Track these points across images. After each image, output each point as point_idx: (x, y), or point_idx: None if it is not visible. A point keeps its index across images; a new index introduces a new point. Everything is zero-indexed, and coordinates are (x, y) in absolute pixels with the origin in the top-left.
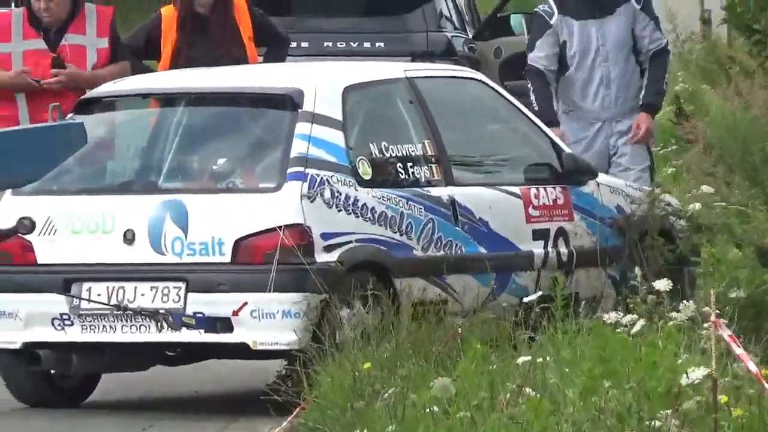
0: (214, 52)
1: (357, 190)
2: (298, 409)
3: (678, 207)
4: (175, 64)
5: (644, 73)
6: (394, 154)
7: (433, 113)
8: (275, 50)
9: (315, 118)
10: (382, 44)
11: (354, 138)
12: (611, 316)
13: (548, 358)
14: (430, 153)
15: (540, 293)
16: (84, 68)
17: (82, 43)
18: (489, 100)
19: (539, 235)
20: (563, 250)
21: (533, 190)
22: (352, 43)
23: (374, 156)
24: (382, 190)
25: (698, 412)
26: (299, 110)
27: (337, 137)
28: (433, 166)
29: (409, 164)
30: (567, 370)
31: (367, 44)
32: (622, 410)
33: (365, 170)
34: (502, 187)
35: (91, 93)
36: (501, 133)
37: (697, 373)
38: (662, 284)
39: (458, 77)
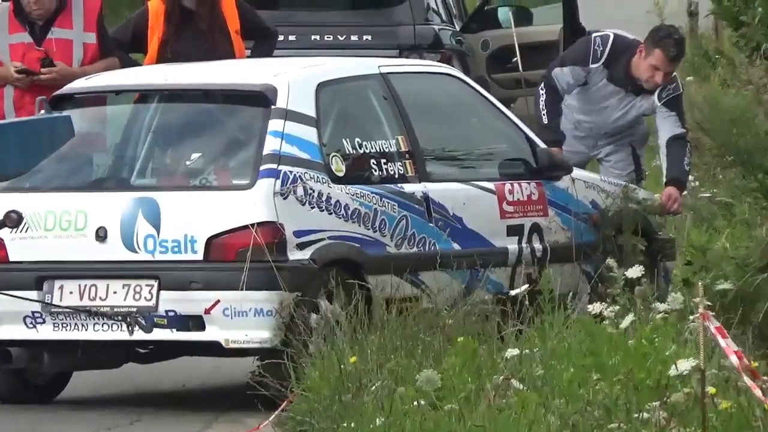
0: (200, 46)
1: (330, 187)
2: (285, 402)
3: (653, 201)
4: (161, 58)
5: (664, 156)
6: (367, 151)
7: (408, 109)
8: (263, 44)
9: (288, 115)
10: (369, 37)
11: (327, 134)
12: (596, 307)
13: (535, 351)
14: (404, 149)
15: (527, 286)
16: (70, 63)
17: (68, 38)
18: (464, 95)
19: (514, 231)
20: (537, 245)
21: (508, 186)
22: (339, 37)
23: (348, 152)
24: (356, 186)
25: (686, 404)
26: (272, 107)
27: (310, 134)
28: (407, 162)
29: (383, 160)
30: (554, 362)
31: (354, 37)
32: (610, 403)
33: (339, 167)
34: (477, 183)
35: (64, 89)
36: (476, 128)
37: (685, 365)
38: (634, 272)
39: (433, 73)
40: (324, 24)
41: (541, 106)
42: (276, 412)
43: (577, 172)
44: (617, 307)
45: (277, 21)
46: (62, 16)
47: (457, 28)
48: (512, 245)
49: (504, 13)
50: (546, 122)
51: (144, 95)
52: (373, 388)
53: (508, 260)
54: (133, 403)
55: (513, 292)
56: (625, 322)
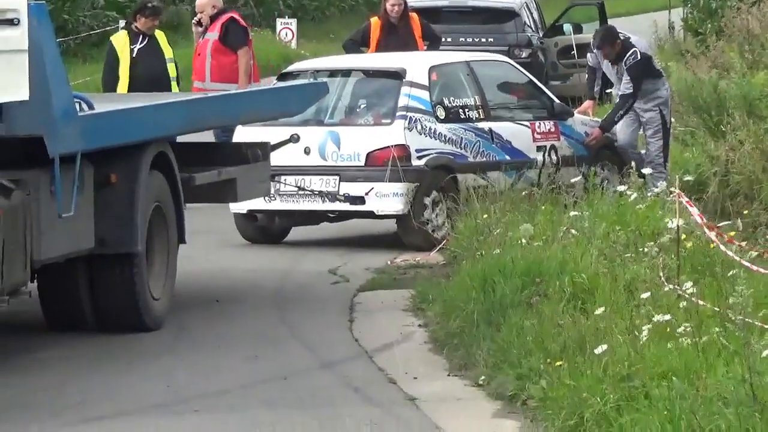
0: (399, 43)
1: (436, 125)
2: (444, 241)
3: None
4: (377, 50)
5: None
6: (458, 104)
7: (481, 81)
8: (433, 43)
9: (412, 84)
10: (491, 39)
11: (435, 95)
12: (621, 188)
13: (584, 212)
14: (478, 103)
15: (580, 177)
16: (206, 52)
17: (207, 37)
18: (513, 73)
19: (540, 149)
20: (554, 157)
21: (537, 124)
22: (474, 38)
23: (446, 105)
24: (451, 124)
25: (668, 243)
26: (403, 79)
27: (425, 95)
28: (480, 110)
29: (467, 109)
30: (596, 219)
31: (483, 39)
32: (626, 242)
33: (441, 113)
34: (519, 122)
35: (289, 68)
36: (519, 91)
37: (672, 224)
38: (647, 170)
39: (495, 60)
40: (466, 32)
41: (586, 77)
42: (437, 247)
43: (576, 116)
44: (633, 190)
45: (440, 30)
46: (212, 25)
47: (541, 35)
48: (539, 157)
49: (567, 27)
50: (587, 84)
51: (334, 72)
52: (495, 233)
53: (537, 165)
54: (344, 244)
55: (572, 180)
56: (632, 197)
